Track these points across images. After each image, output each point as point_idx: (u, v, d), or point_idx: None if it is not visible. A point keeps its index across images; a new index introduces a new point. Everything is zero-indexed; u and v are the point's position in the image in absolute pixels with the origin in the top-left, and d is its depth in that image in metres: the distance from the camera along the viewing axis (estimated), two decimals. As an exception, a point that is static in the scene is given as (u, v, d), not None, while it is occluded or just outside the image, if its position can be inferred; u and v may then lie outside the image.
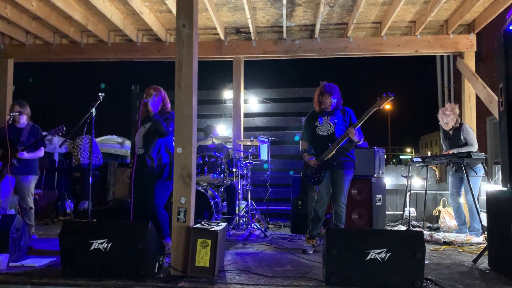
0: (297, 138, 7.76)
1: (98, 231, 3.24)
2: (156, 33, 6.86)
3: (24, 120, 5.00)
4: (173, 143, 4.34)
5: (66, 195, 7.35)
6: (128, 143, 12.22)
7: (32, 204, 5.00)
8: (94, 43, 7.44)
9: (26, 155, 4.83)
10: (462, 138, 5.42)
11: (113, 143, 12.53)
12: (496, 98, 5.61)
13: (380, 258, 2.96)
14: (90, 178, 4.30)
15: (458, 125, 5.53)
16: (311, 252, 4.36)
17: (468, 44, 6.70)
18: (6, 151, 4.75)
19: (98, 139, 11.64)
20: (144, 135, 4.37)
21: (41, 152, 5.06)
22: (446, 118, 5.53)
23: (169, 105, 4.53)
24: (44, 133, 5.05)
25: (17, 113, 4.91)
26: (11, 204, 5.10)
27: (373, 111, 4.38)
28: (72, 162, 9.32)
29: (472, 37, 6.67)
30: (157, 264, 3.33)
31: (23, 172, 4.90)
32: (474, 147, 5.31)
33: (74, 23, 6.75)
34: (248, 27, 6.65)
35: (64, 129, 4.79)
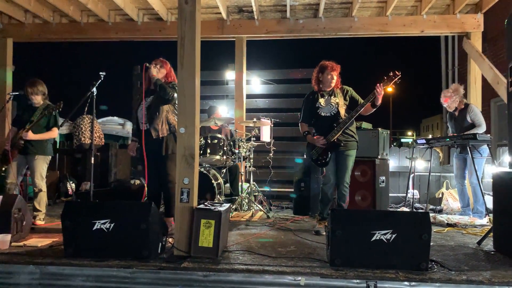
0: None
1: (101, 212, 3.21)
2: (157, 12, 6.74)
3: (38, 99, 4.82)
4: (174, 117, 4.31)
5: (67, 176, 7.33)
6: (129, 124, 12.18)
7: (42, 187, 4.78)
8: (94, 22, 7.32)
9: (31, 135, 4.65)
10: (468, 119, 5.32)
11: (114, 124, 12.49)
12: (503, 79, 5.54)
13: (386, 239, 2.93)
14: (92, 158, 4.26)
15: (463, 106, 5.44)
16: (324, 233, 4.26)
17: (475, 24, 6.57)
18: (18, 130, 4.69)
19: (99, 120, 11.59)
20: (147, 108, 4.30)
21: (53, 133, 4.86)
22: (449, 100, 5.43)
23: (174, 76, 4.45)
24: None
25: (17, 93, 4.83)
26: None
27: (384, 87, 4.31)
28: (73, 143, 9.29)
29: (480, 17, 6.53)
30: (160, 244, 3.31)
31: (31, 152, 4.72)
32: (482, 128, 5.21)
33: (74, 2, 6.62)
34: (251, 6, 6.52)
35: (61, 105, 4.67)
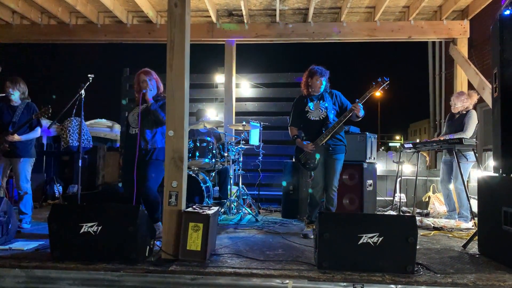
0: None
1: (88, 215, 3.19)
2: (146, 14, 6.73)
3: (16, 96, 4.72)
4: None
5: (54, 179, 7.26)
6: (117, 126, 12.10)
7: (27, 189, 4.70)
8: (83, 24, 7.29)
9: (17, 137, 4.56)
10: (463, 123, 5.36)
11: (103, 126, 12.39)
12: (488, 84, 5.63)
13: (373, 242, 2.96)
14: (80, 161, 4.22)
15: (465, 112, 5.41)
16: (312, 236, 4.26)
17: (461, 30, 6.68)
18: None
19: (87, 123, 11.50)
20: (139, 115, 4.25)
21: (36, 133, 4.76)
22: (458, 102, 5.44)
23: (161, 86, 4.40)
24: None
25: (3, 95, 4.74)
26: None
27: (368, 95, 4.36)
28: (60, 146, 9.20)
29: (466, 23, 6.64)
30: (148, 247, 3.30)
31: (16, 155, 4.62)
32: (467, 134, 5.23)
33: (62, 3, 6.58)
34: (241, 10, 6.54)
35: (50, 110, 4.61)
